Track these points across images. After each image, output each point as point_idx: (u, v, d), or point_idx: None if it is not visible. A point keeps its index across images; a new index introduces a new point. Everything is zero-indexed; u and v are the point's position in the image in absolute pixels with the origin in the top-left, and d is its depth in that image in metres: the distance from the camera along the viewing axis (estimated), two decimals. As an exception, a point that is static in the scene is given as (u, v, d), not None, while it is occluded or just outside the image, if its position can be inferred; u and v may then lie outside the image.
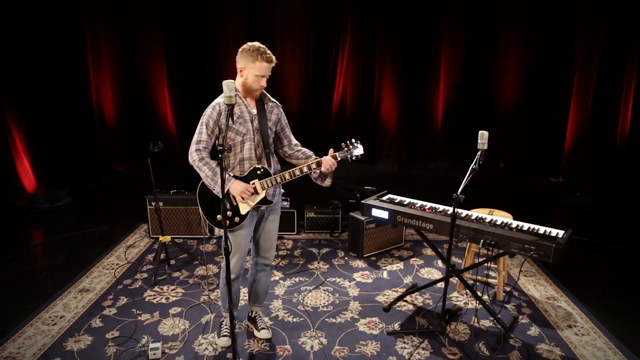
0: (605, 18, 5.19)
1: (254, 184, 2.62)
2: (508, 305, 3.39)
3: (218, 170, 2.53)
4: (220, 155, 2.19)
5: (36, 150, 5.41)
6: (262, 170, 2.64)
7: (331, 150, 2.70)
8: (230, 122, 2.54)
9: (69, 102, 5.64)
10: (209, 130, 2.59)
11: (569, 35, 5.61)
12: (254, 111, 2.64)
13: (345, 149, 2.68)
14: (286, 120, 2.83)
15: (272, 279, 3.76)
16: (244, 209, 2.64)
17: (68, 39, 5.56)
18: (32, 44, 5.20)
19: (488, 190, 4.78)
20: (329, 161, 2.64)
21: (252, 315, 3.06)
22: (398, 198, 3.38)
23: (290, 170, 2.64)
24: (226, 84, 2.16)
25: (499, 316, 3.10)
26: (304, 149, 2.86)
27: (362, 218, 4.11)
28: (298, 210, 4.68)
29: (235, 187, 2.57)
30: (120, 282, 3.70)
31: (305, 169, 2.65)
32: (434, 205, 3.20)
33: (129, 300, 3.43)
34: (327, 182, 2.76)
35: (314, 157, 2.80)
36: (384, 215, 3.20)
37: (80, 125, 5.83)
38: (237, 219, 2.65)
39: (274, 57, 2.57)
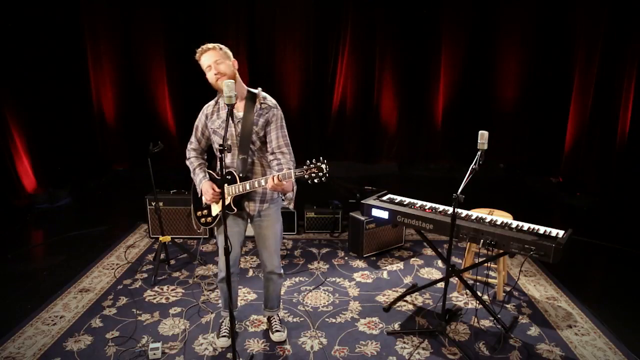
0: (606, 18, 5.20)
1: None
2: (508, 305, 3.39)
3: (197, 170, 2.73)
4: (220, 155, 2.20)
5: (36, 150, 5.41)
6: (230, 176, 2.54)
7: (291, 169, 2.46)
8: (216, 125, 2.60)
9: (69, 102, 5.65)
10: (198, 133, 2.74)
11: (569, 35, 5.61)
12: (240, 114, 2.55)
13: (305, 167, 2.30)
14: (279, 124, 2.59)
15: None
16: (214, 210, 2.70)
17: (68, 39, 5.57)
18: (32, 44, 5.20)
19: (488, 190, 4.78)
20: (270, 182, 2.42)
21: (266, 318, 3.11)
22: (398, 198, 3.37)
23: (253, 180, 2.49)
24: (226, 83, 2.16)
25: (499, 316, 3.10)
26: (278, 160, 2.58)
27: (362, 218, 4.11)
28: (298, 210, 4.67)
29: (204, 188, 2.64)
30: (120, 282, 3.70)
31: (259, 183, 2.48)
32: (434, 205, 3.20)
33: (129, 300, 3.43)
34: (286, 202, 2.75)
35: (276, 171, 2.58)
36: (384, 215, 3.20)
37: (80, 125, 5.84)
38: (209, 219, 2.73)
39: (205, 45, 2.51)
